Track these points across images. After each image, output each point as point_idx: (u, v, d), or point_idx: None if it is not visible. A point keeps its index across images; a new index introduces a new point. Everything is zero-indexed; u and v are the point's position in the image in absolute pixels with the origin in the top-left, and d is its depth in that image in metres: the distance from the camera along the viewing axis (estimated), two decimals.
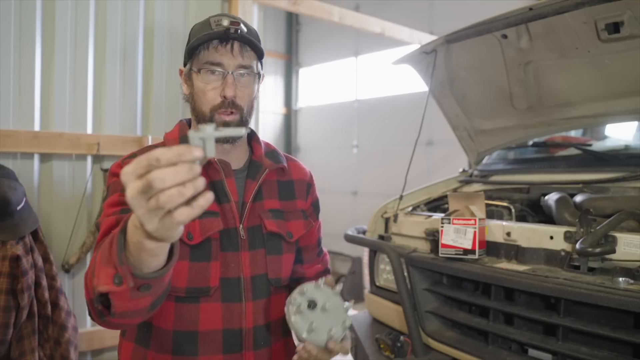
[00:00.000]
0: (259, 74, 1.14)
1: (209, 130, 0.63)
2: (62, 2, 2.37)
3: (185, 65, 1.16)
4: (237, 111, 1.10)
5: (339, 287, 1.10)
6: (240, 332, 1.10)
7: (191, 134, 0.63)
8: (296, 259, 1.26)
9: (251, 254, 1.12)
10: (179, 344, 1.08)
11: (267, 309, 1.14)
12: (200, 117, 1.11)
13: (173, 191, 0.59)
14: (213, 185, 1.12)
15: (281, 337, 1.19)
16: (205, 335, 1.08)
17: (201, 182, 0.61)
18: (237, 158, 1.19)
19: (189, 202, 0.61)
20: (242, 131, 0.76)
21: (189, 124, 1.21)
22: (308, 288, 1.06)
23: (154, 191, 0.59)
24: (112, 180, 1.10)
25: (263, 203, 1.17)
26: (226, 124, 1.08)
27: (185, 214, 0.61)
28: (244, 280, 1.10)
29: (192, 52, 1.11)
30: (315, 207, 1.30)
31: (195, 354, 1.08)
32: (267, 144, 1.25)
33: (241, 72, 1.09)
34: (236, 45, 1.08)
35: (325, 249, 1.40)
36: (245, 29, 1.08)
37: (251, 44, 1.10)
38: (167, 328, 1.09)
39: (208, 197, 0.62)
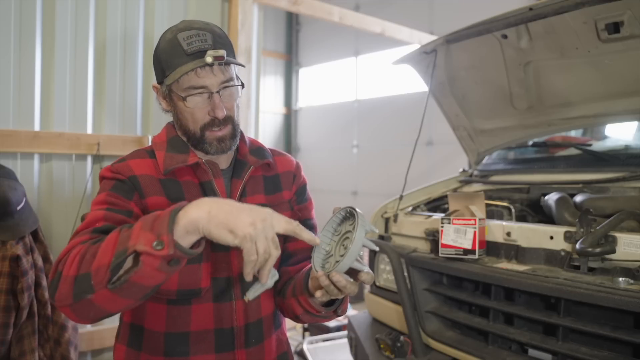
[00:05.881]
0: (242, 82, 1.14)
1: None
2: (62, 2, 2.37)
3: (158, 82, 1.13)
4: (229, 123, 1.11)
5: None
6: (231, 330, 1.10)
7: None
8: (287, 260, 1.22)
9: (240, 252, 1.11)
10: (171, 346, 1.09)
11: (258, 305, 1.14)
12: (190, 136, 1.12)
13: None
14: (202, 186, 1.12)
15: (272, 332, 1.19)
16: (197, 335, 1.09)
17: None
18: (224, 158, 1.19)
19: None
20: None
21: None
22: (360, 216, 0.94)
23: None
24: (102, 181, 1.12)
25: (246, 200, 1.16)
26: (220, 140, 1.09)
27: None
28: (234, 279, 1.11)
29: (165, 73, 1.08)
30: (299, 193, 1.27)
31: (186, 354, 1.09)
32: (252, 141, 1.25)
33: (225, 86, 1.08)
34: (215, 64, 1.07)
35: None
36: (224, 52, 1.04)
37: (229, 61, 1.07)
38: (159, 330, 1.10)
39: None
